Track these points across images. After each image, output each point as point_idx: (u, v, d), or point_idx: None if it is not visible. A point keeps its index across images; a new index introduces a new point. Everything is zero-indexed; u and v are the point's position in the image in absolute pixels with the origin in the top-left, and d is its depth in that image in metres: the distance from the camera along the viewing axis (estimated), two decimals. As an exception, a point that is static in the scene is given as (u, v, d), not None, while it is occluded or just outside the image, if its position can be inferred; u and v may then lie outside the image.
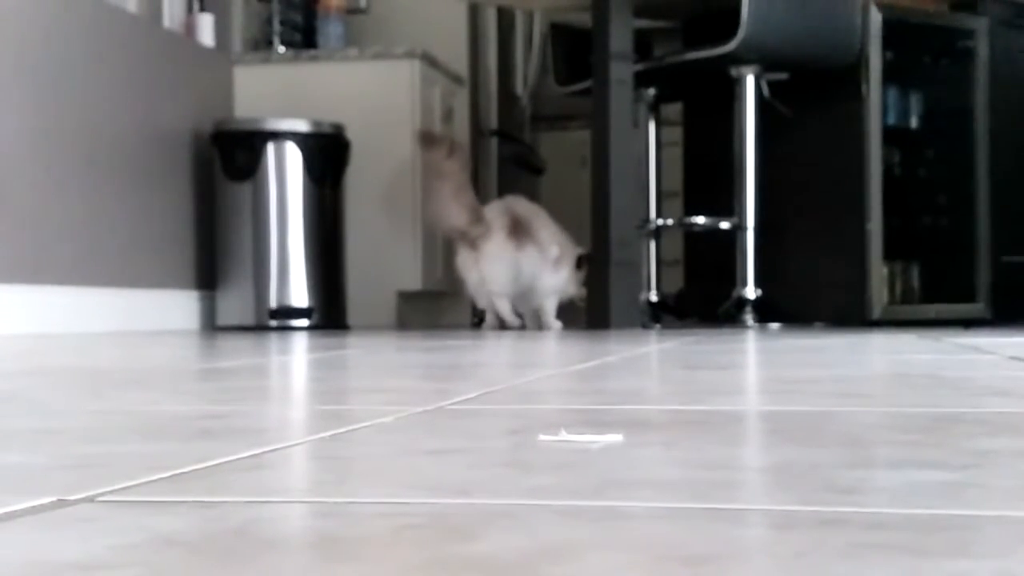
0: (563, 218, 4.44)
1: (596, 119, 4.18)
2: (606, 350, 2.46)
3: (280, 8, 5.07)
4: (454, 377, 1.65)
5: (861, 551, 0.49)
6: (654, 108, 4.85)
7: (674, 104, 5.14)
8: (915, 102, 4.74)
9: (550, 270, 4.25)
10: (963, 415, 1.07)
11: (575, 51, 4.78)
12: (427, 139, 4.33)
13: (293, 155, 4.52)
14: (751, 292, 4.43)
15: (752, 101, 4.42)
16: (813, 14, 4.31)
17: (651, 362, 1.99)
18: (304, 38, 5.12)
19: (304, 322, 4.53)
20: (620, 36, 4.18)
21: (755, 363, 1.96)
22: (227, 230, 4.54)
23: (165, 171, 4.48)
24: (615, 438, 0.89)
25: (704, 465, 0.75)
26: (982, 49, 4.83)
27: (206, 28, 4.76)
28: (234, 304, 4.55)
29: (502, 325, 4.26)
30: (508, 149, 5.87)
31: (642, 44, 4.55)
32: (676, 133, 5.13)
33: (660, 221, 4.75)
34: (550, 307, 4.31)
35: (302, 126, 4.55)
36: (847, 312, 4.51)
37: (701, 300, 4.80)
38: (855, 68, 4.47)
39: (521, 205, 4.33)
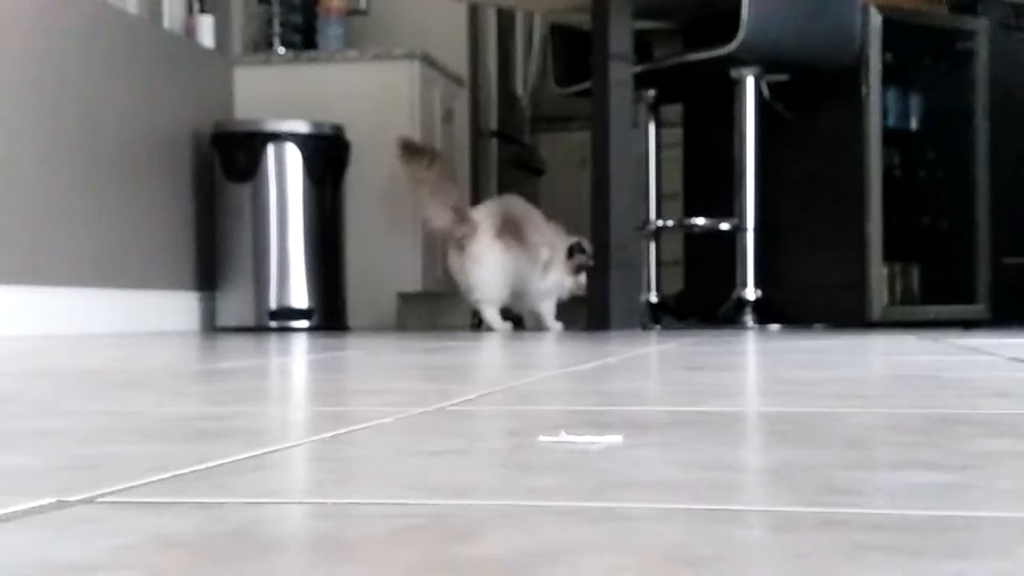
0: (563, 219, 4.44)
1: (596, 120, 4.18)
2: (606, 351, 2.46)
3: (280, 9, 5.07)
4: (454, 378, 1.65)
5: (861, 552, 0.49)
6: (654, 109, 4.85)
7: (674, 105, 5.14)
8: (915, 104, 4.74)
9: (539, 275, 4.23)
10: (963, 416, 1.07)
11: (575, 52, 4.78)
12: (408, 149, 4.27)
13: (293, 156, 4.52)
14: (751, 293, 4.44)
15: (752, 102, 4.42)
16: (813, 16, 4.31)
17: (651, 363, 1.99)
18: (304, 39, 5.12)
19: (304, 323, 4.53)
20: (620, 37, 4.18)
21: (755, 364, 1.96)
22: (227, 231, 4.54)
23: (165, 172, 4.48)
24: (615, 439, 0.89)
25: (704, 466, 0.75)
26: (982, 51, 4.83)
27: (206, 29, 4.76)
28: (234, 305, 4.55)
29: (504, 320, 4.26)
30: (508, 150, 5.87)
31: (642, 45, 4.55)
32: (676, 134, 5.13)
33: (660, 222, 4.75)
34: (547, 309, 4.31)
35: (302, 127, 4.55)
36: (847, 313, 4.51)
37: (701, 301, 4.79)
38: (855, 70, 4.47)
39: (515, 205, 4.31)
